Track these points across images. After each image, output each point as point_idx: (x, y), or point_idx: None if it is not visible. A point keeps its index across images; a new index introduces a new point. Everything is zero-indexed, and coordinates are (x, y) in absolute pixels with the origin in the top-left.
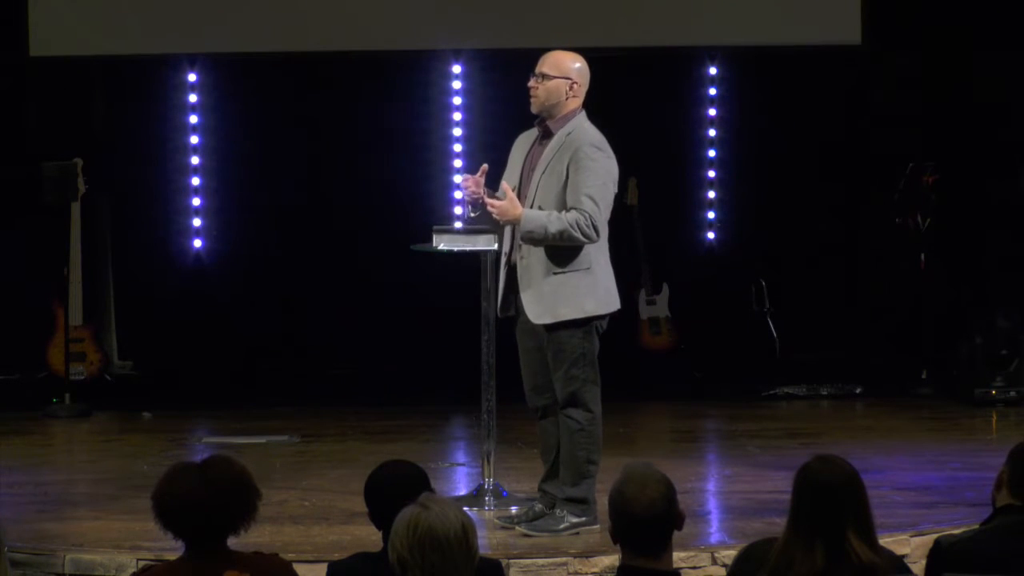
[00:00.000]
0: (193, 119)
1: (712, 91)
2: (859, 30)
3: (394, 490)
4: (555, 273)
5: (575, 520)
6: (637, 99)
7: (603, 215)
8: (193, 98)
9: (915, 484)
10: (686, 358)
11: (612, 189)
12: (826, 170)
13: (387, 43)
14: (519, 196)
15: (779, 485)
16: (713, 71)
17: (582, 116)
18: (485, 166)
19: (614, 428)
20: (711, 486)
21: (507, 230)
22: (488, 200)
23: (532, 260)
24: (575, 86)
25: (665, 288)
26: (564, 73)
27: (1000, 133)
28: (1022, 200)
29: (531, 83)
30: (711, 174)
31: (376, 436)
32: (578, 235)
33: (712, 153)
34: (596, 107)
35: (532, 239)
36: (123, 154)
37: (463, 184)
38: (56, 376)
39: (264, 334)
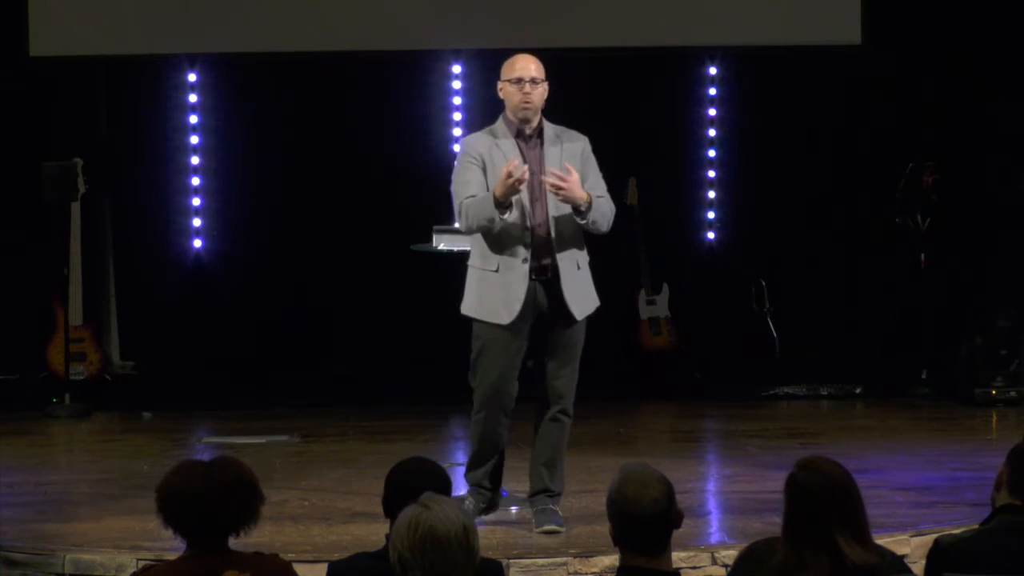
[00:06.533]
0: (193, 119)
1: (712, 91)
2: (859, 30)
3: (418, 486)
4: (468, 266)
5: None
6: (637, 99)
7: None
8: (193, 98)
9: (915, 484)
10: (686, 358)
11: None
12: (826, 170)
13: (387, 43)
14: (531, 201)
15: (779, 485)
16: (713, 71)
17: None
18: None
19: (614, 428)
20: (711, 486)
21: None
22: (556, 174)
23: None
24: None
25: (665, 288)
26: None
27: (1000, 133)
28: (1022, 200)
29: (528, 89)
30: (711, 174)
31: (376, 436)
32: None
33: (712, 153)
34: (596, 107)
35: (595, 224)
36: (123, 154)
37: (516, 175)
38: (56, 376)
39: (264, 334)
